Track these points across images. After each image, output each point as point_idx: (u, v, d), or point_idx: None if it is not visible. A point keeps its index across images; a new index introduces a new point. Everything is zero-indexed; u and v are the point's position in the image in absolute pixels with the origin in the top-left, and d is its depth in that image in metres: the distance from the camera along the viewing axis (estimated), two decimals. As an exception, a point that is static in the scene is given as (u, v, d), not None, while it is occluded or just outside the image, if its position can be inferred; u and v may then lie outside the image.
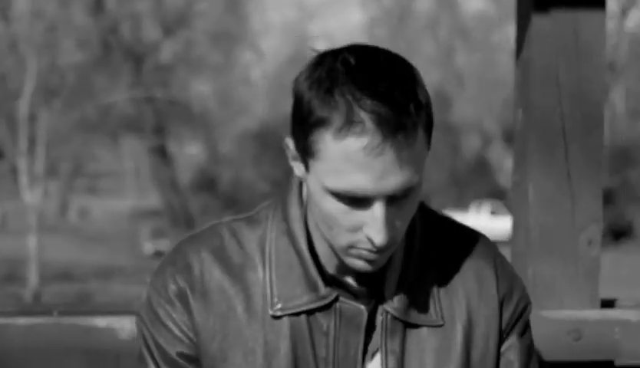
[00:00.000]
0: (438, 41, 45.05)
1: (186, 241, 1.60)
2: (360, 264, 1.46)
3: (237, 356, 1.51)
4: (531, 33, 2.36)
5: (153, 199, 40.03)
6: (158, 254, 31.09)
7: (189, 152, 41.92)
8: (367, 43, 1.48)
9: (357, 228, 1.43)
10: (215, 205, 36.84)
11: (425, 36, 44.76)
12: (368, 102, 1.36)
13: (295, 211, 1.55)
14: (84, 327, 2.11)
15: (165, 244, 31.19)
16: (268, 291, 1.52)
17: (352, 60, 1.41)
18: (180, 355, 1.53)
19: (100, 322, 2.11)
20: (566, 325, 2.23)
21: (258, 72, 44.69)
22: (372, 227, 1.41)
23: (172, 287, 1.54)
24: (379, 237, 1.40)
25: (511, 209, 2.49)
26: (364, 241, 1.43)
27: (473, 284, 1.59)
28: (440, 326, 1.54)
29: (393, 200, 1.42)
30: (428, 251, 1.57)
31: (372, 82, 1.38)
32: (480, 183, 39.52)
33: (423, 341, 1.53)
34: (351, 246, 1.45)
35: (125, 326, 2.11)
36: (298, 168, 1.50)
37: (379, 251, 1.44)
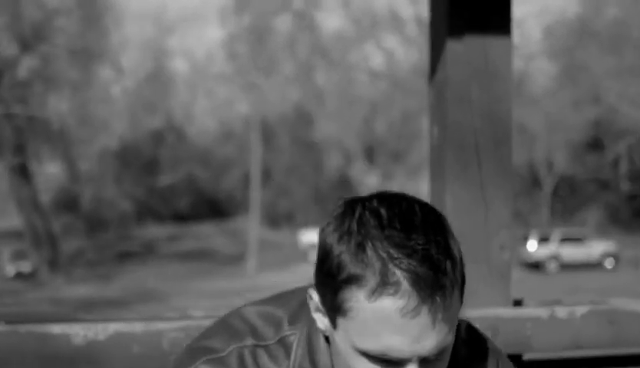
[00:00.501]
0: (297, 59, 45.46)
1: (208, 360, 1.48)
2: None
3: None
4: (446, 56, 2.57)
5: (13, 220, 39.05)
6: (20, 275, 30.39)
7: (49, 171, 41.00)
8: (394, 191, 1.43)
9: None
10: (77, 224, 36.18)
11: (284, 54, 45.12)
12: (405, 261, 1.29)
13: (323, 359, 1.46)
14: (38, 334, 2.19)
15: (26, 266, 30.54)
16: None
17: (383, 212, 1.33)
18: None
19: (55, 329, 2.20)
20: (484, 322, 2.43)
21: (118, 89, 44.11)
22: None
23: None
24: None
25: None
26: None
27: None
28: None
29: (426, 361, 1.35)
30: None
31: (407, 238, 1.30)
32: (342, 200, 39.98)
33: None
34: None
35: (79, 332, 2.20)
36: (322, 322, 1.41)
37: None
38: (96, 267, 33.72)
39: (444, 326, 1.32)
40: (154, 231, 42.69)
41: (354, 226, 1.33)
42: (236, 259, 36.01)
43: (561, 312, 2.51)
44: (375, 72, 45.86)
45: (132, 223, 42.13)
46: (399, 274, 1.28)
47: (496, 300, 2.53)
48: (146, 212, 43.28)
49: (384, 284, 1.28)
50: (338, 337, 1.37)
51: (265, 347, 1.48)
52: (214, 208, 45.93)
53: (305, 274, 31.86)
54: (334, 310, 1.34)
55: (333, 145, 43.82)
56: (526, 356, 2.53)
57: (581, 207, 44.79)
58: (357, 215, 1.34)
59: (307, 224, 39.74)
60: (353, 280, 1.30)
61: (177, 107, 47.37)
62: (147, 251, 37.72)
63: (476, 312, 2.47)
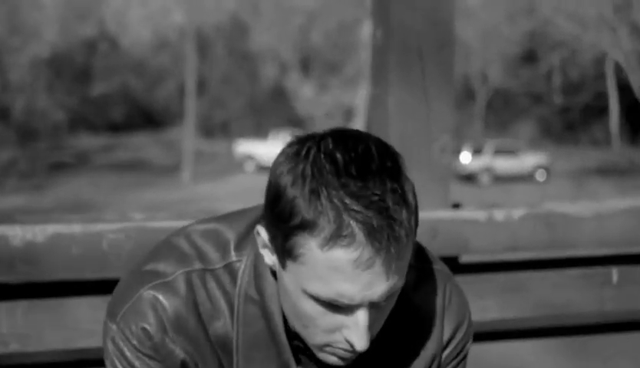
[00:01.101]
0: (233, -33, 44.81)
1: (155, 285, 1.46)
2: (333, 360, 1.41)
3: None
4: (389, -42, 2.55)
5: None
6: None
7: (-22, 81, 40.21)
8: (349, 129, 1.39)
9: (335, 329, 1.36)
10: (8, 134, 35.61)
11: (220, -38, 44.41)
12: (360, 212, 1.27)
13: (269, 287, 1.44)
14: (-24, 237, 2.16)
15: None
16: (235, 357, 1.46)
17: (339, 156, 1.31)
18: None
19: (-8, 231, 2.17)
20: (424, 225, 2.46)
21: (49, -5, 43.10)
22: (354, 332, 1.34)
23: (146, 343, 1.44)
24: (361, 343, 1.34)
25: (369, 121, 2.69)
26: (342, 341, 1.37)
27: (424, 348, 1.56)
28: None
29: (376, 305, 1.35)
30: (389, 325, 1.50)
31: (363, 187, 1.28)
32: (277, 111, 40.02)
33: None
34: (327, 345, 1.39)
35: (17, 233, 2.17)
36: (269, 258, 1.40)
37: (357, 353, 1.39)
38: (29, 177, 33.34)
39: (397, 273, 1.33)
40: (88, 141, 42.25)
41: (309, 170, 1.30)
42: (171, 170, 35.87)
43: (498, 215, 2.55)
44: (312, -19, 45.43)
45: (65, 133, 41.59)
46: (354, 226, 1.27)
47: (435, 203, 2.56)
48: (80, 122, 42.75)
49: (338, 236, 1.27)
50: (287, 277, 1.36)
51: (212, 272, 1.47)
52: (148, 118, 45.54)
53: (240, 184, 31.86)
54: (284, 252, 1.33)
55: (269, 55, 43.51)
56: (462, 259, 2.57)
57: (514, 120, 45.31)
58: (311, 157, 1.32)
59: (242, 134, 39.61)
60: (306, 227, 1.29)
61: (110, 16, 46.47)
62: (81, 162, 37.36)
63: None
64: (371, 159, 1.32)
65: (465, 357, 1.63)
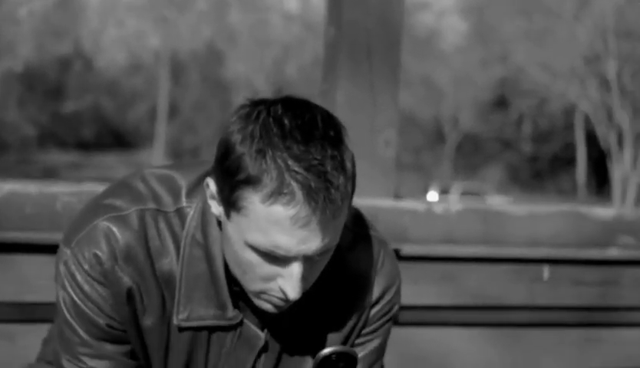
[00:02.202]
0: (212, -4, 45.02)
1: (110, 217, 1.56)
2: (268, 307, 1.51)
3: (140, 340, 1.59)
4: (346, -42, 2.69)
5: None
6: None
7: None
8: (298, 96, 1.49)
9: (271, 279, 1.47)
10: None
11: (199, -10, 44.60)
12: (301, 173, 1.38)
13: (214, 233, 1.55)
14: None
15: None
16: (177, 294, 1.56)
17: (287, 122, 1.41)
18: (108, 325, 1.57)
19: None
20: (364, 211, 2.58)
21: (25, 10, 43.03)
22: (288, 282, 1.45)
23: (97, 268, 1.54)
24: (293, 293, 1.45)
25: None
26: (276, 290, 1.47)
27: (354, 305, 1.67)
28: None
29: (310, 259, 1.46)
30: (323, 281, 1.59)
31: (306, 151, 1.39)
32: (248, 139, 39.98)
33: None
34: (263, 292, 1.49)
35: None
36: (216, 209, 1.50)
37: (289, 302, 1.49)
38: (-6, 190, 33.06)
39: (331, 233, 1.44)
40: (57, 157, 42.07)
41: (257, 131, 1.41)
42: (138, 192, 35.64)
43: (437, 207, 2.68)
44: (289, 15, 45.77)
45: (34, 148, 41.44)
46: (294, 185, 1.38)
47: (379, 192, 2.68)
48: (49, 138, 42.59)
49: (280, 193, 1.38)
50: (230, 227, 1.46)
51: (165, 214, 1.58)
52: (119, 139, 45.44)
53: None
54: (229, 204, 1.44)
55: (242, 85, 43.66)
56: (404, 251, 2.69)
57: (483, 164, 45.62)
58: (261, 120, 1.42)
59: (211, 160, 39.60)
60: (250, 182, 1.39)
61: (86, 35, 46.48)
62: (48, 177, 37.19)
63: (358, 201, 2.60)
64: (315, 127, 1.42)
65: (391, 319, 1.74)
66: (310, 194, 1.38)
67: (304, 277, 1.46)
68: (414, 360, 2.74)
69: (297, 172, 1.38)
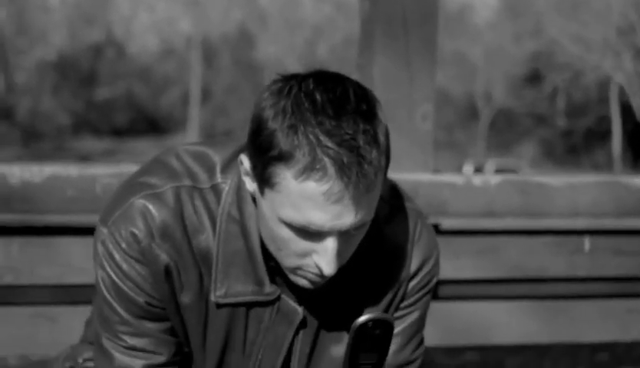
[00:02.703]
0: (242, -21, 45.01)
1: (146, 195, 1.56)
2: (304, 283, 1.51)
3: (179, 318, 1.60)
4: None
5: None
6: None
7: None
8: (330, 70, 1.48)
9: (306, 254, 1.46)
10: (13, 135, 35.76)
11: (229, -27, 44.62)
12: (333, 148, 1.37)
13: (249, 209, 1.55)
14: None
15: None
16: (214, 270, 1.57)
17: (318, 97, 1.40)
18: (147, 303, 1.58)
19: (-8, 169, 2.29)
20: (405, 186, 2.58)
21: None
22: (322, 258, 1.44)
23: (134, 246, 1.54)
24: (328, 268, 1.44)
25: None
26: (312, 265, 1.47)
27: (392, 278, 1.66)
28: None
29: (345, 234, 1.45)
30: (361, 254, 1.59)
31: (338, 126, 1.38)
32: (280, 121, 39.99)
33: (331, 349, 1.65)
34: (299, 268, 1.49)
35: (15, 173, 2.30)
36: (250, 185, 1.50)
37: (325, 277, 1.49)
38: (30, 179, 33.34)
39: (365, 207, 1.42)
40: (91, 144, 42.35)
41: (289, 107, 1.39)
42: (173, 177, 35.81)
43: (476, 180, 2.67)
44: (319, -5, 45.68)
45: (68, 136, 41.76)
46: (326, 161, 1.36)
47: (417, 167, 2.68)
48: (83, 126, 42.89)
49: (312, 169, 1.37)
50: (265, 204, 1.46)
51: (200, 191, 1.58)
52: (152, 124, 45.64)
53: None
54: (263, 181, 1.43)
55: (274, 67, 43.63)
56: (444, 226, 2.69)
57: (517, 140, 45.34)
58: (292, 95, 1.40)
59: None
60: (283, 158, 1.38)
61: (117, 22, 46.70)
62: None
63: (397, 176, 2.61)
64: (347, 101, 1.41)
65: (430, 291, 1.73)
66: (342, 169, 1.37)
67: (339, 253, 1.46)
68: (456, 334, 2.74)
69: (329, 148, 1.37)
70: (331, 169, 1.37)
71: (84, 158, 38.84)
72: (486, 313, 2.71)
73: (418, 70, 2.69)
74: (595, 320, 2.83)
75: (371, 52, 2.69)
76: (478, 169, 36.17)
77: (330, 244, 1.44)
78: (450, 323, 2.67)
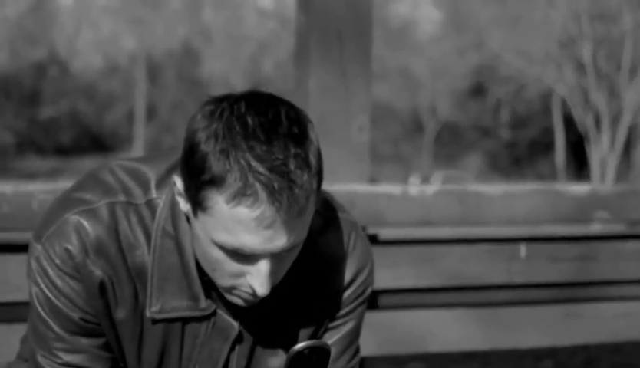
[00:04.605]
0: (185, -5, 44.93)
1: (80, 211, 1.55)
2: (238, 301, 1.52)
3: (114, 333, 1.60)
4: (313, -53, 2.70)
5: None
6: None
7: None
8: (263, 91, 1.49)
9: (240, 275, 1.46)
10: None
11: (172, -10, 44.51)
12: (263, 175, 1.37)
13: (184, 225, 1.55)
14: None
15: None
16: (149, 285, 1.56)
17: (250, 120, 1.40)
18: (82, 319, 1.57)
19: None
20: (341, 198, 2.58)
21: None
22: (256, 279, 1.45)
23: (68, 262, 1.53)
24: (262, 289, 1.45)
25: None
26: (246, 286, 1.47)
27: (327, 289, 1.67)
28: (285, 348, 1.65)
29: (278, 255, 1.45)
30: (294, 268, 1.58)
31: (269, 151, 1.38)
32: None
33: (268, 362, 1.65)
34: (233, 288, 1.49)
35: None
36: (184, 205, 1.49)
37: (259, 297, 1.49)
38: (-27, 199, 32.87)
39: (297, 230, 1.43)
40: (35, 164, 41.92)
41: (220, 130, 1.39)
42: (119, 195, 35.53)
43: (413, 190, 2.69)
44: (263, 11, 45.76)
45: (12, 155, 41.28)
46: (257, 186, 1.37)
47: (354, 178, 2.70)
48: (27, 145, 42.43)
49: (243, 194, 1.37)
50: (198, 225, 1.46)
51: (135, 206, 1.57)
52: (97, 142, 45.29)
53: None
54: (196, 203, 1.43)
55: (219, 83, 43.61)
56: (382, 236, 2.71)
57: (462, 153, 45.72)
58: (224, 118, 1.40)
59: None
60: (215, 182, 1.38)
61: (61, 40, 46.32)
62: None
63: (334, 188, 2.62)
64: (279, 124, 1.41)
65: (364, 301, 1.74)
66: (273, 194, 1.37)
67: (272, 273, 1.46)
68: (395, 344, 2.76)
69: (260, 173, 1.37)
70: (262, 195, 1.37)
71: (28, 177, 38.42)
72: (425, 321, 2.74)
73: (354, 82, 2.71)
74: (534, 326, 2.87)
75: (307, 64, 2.71)
76: (424, 181, 36.34)
77: (263, 266, 1.44)
78: (390, 333, 2.69)
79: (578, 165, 42.17)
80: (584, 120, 36.71)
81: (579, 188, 2.86)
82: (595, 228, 2.87)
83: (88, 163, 43.62)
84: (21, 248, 2.34)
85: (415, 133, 45.62)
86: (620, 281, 2.92)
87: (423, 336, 2.74)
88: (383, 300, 2.70)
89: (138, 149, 38.13)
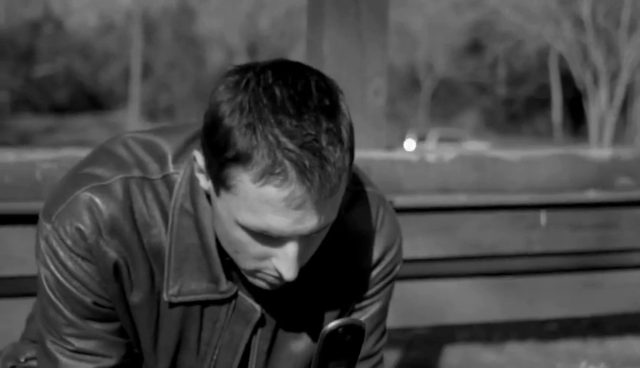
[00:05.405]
0: (181, -48, 44.56)
1: (92, 187, 1.45)
2: (262, 285, 1.43)
3: (129, 318, 1.51)
4: None
5: None
6: None
7: None
8: (290, 60, 1.37)
9: (265, 258, 1.37)
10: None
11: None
12: (293, 151, 1.26)
13: (203, 202, 1.45)
14: None
15: None
16: (166, 267, 1.47)
17: (278, 92, 1.29)
18: (95, 303, 1.48)
19: None
20: (358, 164, 2.51)
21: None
22: (283, 263, 1.36)
23: (81, 243, 1.44)
24: (289, 273, 1.36)
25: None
26: (271, 269, 1.38)
27: (354, 269, 1.59)
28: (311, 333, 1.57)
29: (307, 237, 1.36)
30: (321, 247, 1.48)
31: (299, 125, 1.27)
32: (223, 96, 39.87)
33: (291, 346, 1.58)
34: (257, 271, 1.40)
35: None
36: (204, 183, 1.39)
37: (285, 281, 1.41)
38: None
39: (328, 211, 1.33)
40: (30, 122, 41.77)
41: (246, 103, 1.28)
42: (115, 153, 35.47)
43: (430, 157, 2.60)
44: (260, -32, 45.39)
45: (7, 114, 41.12)
46: (287, 164, 1.26)
47: (369, 143, 2.61)
48: (23, 103, 42.26)
49: (272, 173, 1.26)
50: (220, 204, 1.35)
51: (151, 182, 1.47)
52: (93, 101, 45.14)
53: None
54: (219, 181, 1.32)
55: (215, 41, 43.35)
56: (398, 203, 2.62)
57: (459, 110, 45.64)
58: (250, 89, 1.29)
59: (187, 119, 39.44)
60: (240, 160, 1.28)
61: (55, -3, 45.98)
62: (23, 143, 36.95)
63: (349, 154, 2.54)
64: (309, 97, 1.30)
65: (393, 279, 1.66)
66: (304, 173, 1.27)
67: (300, 256, 1.36)
68: (412, 314, 2.68)
69: (289, 150, 1.26)
70: (292, 173, 1.27)
71: (24, 136, 38.29)
72: (442, 292, 2.66)
73: (369, 45, 2.61)
74: (552, 295, 2.79)
75: (321, 26, 2.60)
76: (421, 139, 36.29)
77: (291, 248, 1.34)
78: (405, 304, 2.60)
79: (576, 122, 42.12)
80: (582, 77, 36.57)
81: (601, 153, 2.77)
82: (617, 195, 2.77)
83: (84, 122, 43.52)
84: (24, 219, 2.25)
85: (412, 91, 45.50)
86: (641, 249, 2.85)
87: (440, 306, 2.66)
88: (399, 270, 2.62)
89: (134, 107, 37.98)
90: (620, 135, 36.87)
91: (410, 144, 36.36)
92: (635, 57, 35.13)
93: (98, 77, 45.34)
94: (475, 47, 44.42)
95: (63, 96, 44.32)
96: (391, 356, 4.57)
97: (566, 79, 39.88)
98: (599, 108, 36.04)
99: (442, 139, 36.50)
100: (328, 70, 2.56)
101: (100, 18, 46.93)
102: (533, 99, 44.08)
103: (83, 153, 2.29)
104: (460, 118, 45.31)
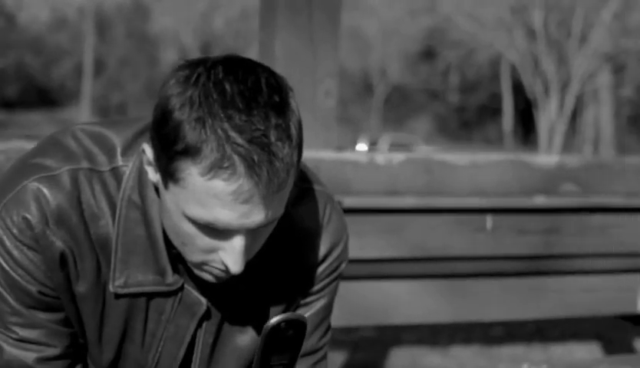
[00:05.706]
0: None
1: (40, 177, 1.46)
2: (209, 278, 1.44)
3: (74, 308, 1.53)
4: None
5: None
6: None
7: None
8: (242, 57, 1.37)
9: (212, 250, 1.39)
10: None
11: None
12: (242, 146, 1.27)
13: (152, 195, 1.46)
14: None
15: None
16: (113, 258, 1.48)
17: (228, 87, 1.30)
18: (40, 293, 1.48)
19: None
20: (307, 163, 2.53)
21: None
22: (229, 256, 1.37)
23: (27, 233, 1.44)
24: (235, 266, 1.37)
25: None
26: (218, 261, 1.39)
27: (300, 265, 1.60)
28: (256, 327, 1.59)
29: (254, 231, 1.37)
30: (267, 241, 1.49)
31: (248, 121, 1.28)
32: (175, 95, 39.71)
33: (236, 339, 1.59)
34: (204, 263, 1.41)
35: None
36: (153, 175, 1.40)
37: (231, 274, 1.41)
38: None
39: (276, 205, 1.34)
40: (-21, 117, 41.34)
41: (197, 97, 1.29)
42: (65, 150, 35.19)
43: (379, 158, 2.62)
44: (216, -33, 45.28)
45: (-44, 108, 40.64)
46: (235, 158, 1.27)
47: (319, 144, 2.62)
48: (-28, 98, 41.80)
49: (220, 167, 1.28)
50: (168, 197, 1.36)
51: (99, 174, 1.47)
52: (44, 96, 44.69)
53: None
54: (167, 174, 1.33)
55: (169, 39, 43.15)
56: (347, 203, 2.64)
57: (411, 115, 45.90)
58: (200, 84, 1.30)
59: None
60: (189, 153, 1.29)
61: (7, -9, 45.45)
62: (-29, 137, 36.51)
63: (300, 154, 2.55)
64: (259, 93, 1.31)
65: (339, 276, 1.68)
66: (252, 168, 1.28)
67: (247, 250, 1.38)
68: (358, 314, 2.70)
69: (238, 144, 1.27)
70: (240, 168, 1.28)
71: (-28, 131, 37.80)
72: (389, 292, 2.68)
73: (322, 46, 2.63)
74: (498, 298, 2.83)
75: (274, 27, 2.61)
76: (373, 143, 36.42)
77: (237, 242, 1.36)
78: (353, 304, 2.63)
79: (526, 131, 42.55)
80: (533, 87, 36.94)
81: (547, 160, 2.82)
82: (562, 201, 2.82)
83: (35, 117, 43.06)
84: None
85: (365, 95, 45.68)
86: (585, 255, 2.89)
87: (387, 306, 2.69)
88: (347, 269, 2.64)
89: (86, 104, 37.66)
90: (569, 144, 37.30)
91: (361, 148, 36.47)
92: (586, 67, 35.58)
93: (50, 72, 44.92)
94: (428, 54, 44.70)
95: (14, 91, 43.83)
96: (337, 358, 4.60)
97: (517, 88, 40.28)
98: (549, 117, 36.42)
99: (394, 145, 36.68)
100: (280, 70, 2.55)
101: (53, 13, 46.48)
102: (485, 107, 44.48)
103: (31, 145, 2.27)
104: (412, 124, 45.56)
